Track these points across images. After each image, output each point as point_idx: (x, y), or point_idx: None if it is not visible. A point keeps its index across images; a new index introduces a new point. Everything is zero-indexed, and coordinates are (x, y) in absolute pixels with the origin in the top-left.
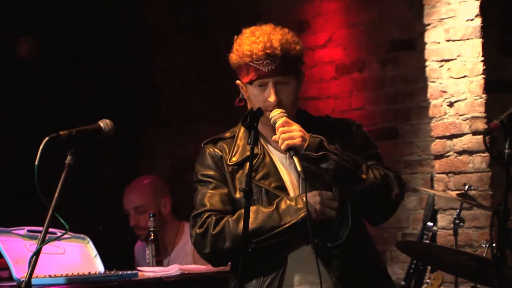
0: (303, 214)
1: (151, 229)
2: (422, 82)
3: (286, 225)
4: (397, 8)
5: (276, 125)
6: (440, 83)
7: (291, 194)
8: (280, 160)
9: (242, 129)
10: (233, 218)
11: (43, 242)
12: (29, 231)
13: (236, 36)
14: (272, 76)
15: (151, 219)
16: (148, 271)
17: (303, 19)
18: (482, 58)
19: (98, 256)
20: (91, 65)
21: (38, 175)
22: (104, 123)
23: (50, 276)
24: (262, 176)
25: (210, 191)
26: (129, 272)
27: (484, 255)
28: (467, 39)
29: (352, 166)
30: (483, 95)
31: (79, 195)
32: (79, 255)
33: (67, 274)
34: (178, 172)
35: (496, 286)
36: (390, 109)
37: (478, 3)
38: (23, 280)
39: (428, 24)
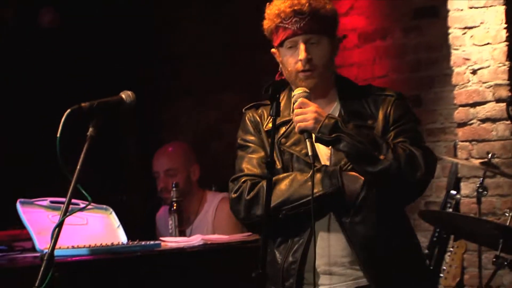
0: (335, 187)
1: (174, 199)
2: (445, 50)
3: (317, 194)
4: None
5: (294, 106)
6: (463, 51)
7: (322, 161)
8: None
9: (285, 95)
10: None
11: (66, 214)
12: (52, 202)
13: (268, 3)
14: (301, 34)
15: (174, 189)
16: (171, 242)
17: None
18: (505, 25)
19: (121, 226)
20: (113, 35)
21: (61, 147)
22: (125, 95)
23: (73, 247)
24: (293, 143)
25: (248, 155)
26: (152, 242)
27: (508, 223)
28: (490, 6)
29: (368, 147)
30: (506, 63)
31: (102, 165)
32: (102, 225)
33: (90, 245)
34: (200, 141)
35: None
36: (413, 77)
37: None
38: (46, 252)
39: None
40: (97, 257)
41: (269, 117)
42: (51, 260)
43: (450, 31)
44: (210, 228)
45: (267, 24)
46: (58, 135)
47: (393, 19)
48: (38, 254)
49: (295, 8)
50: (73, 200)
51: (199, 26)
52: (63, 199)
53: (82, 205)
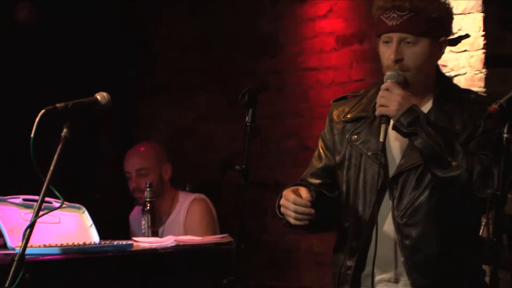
0: None
1: (147, 199)
2: None
3: None
4: None
5: (382, 86)
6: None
7: (393, 154)
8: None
9: (373, 90)
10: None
11: (38, 214)
12: (24, 199)
13: None
14: (396, 31)
15: (148, 189)
16: (144, 242)
17: None
18: (483, 33)
19: (93, 225)
20: (88, 34)
21: (34, 147)
22: (101, 96)
23: (45, 245)
24: (363, 141)
25: (313, 160)
26: (124, 242)
27: (480, 233)
28: (468, 13)
29: (443, 150)
30: (483, 70)
31: (76, 163)
32: (75, 224)
33: (62, 244)
34: (174, 140)
35: (492, 269)
36: None
37: None
38: (17, 251)
39: None
40: (69, 257)
41: (352, 108)
42: (22, 260)
43: None
44: (181, 228)
45: (373, 13)
46: (31, 135)
47: (371, 23)
48: (9, 252)
49: (395, 3)
50: (46, 199)
51: (176, 25)
52: (36, 197)
53: (55, 204)
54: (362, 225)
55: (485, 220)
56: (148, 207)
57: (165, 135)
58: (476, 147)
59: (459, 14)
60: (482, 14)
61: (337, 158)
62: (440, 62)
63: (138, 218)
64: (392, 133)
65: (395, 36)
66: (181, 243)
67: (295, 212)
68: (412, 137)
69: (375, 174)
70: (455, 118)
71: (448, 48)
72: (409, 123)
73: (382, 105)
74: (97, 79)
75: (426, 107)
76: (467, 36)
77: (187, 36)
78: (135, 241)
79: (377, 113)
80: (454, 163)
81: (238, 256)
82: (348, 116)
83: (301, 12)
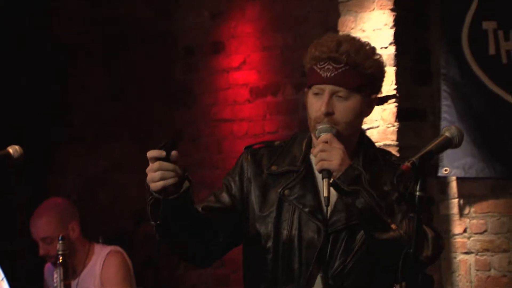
0: None
1: (60, 252)
2: None
3: None
4: (313, 32)
5: (319, 139)
6: None
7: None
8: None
9: (296, 142)
10: None
11: None
12: None
13: (315, 40)
14: (330, 83)
15: (60, 242)
16: None
17: (218, 40)
18: (395, 86)
19: (5, 279)
20: (3, 81)
21: None
22: (13, 149)
23: None
24: (297, 196)
25: (208, 199)
26: None
27: None
28: None
29: (383, 212)
30: (396, 123)
31: None
32: None
33: None
34: (89, 189)
35: None
36: None
37: (392, 31)
38: None
39: None
40: None
41: (275, 160)
42: None
43: None
44: (97, 280)
45: (305, 63)
46: None
47: (285, 75)
48: None
49: (332, 55)
50: None
51: (92, 75)
52: None
53: None
54: (299, 284)
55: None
56: (60, 260)
57: (78, 184)
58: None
59: None
60: (394, 68)
61: (256, 210)
62: None
63: (52, 271)
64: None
65: (328, 88)
66: None
67: (160, 168)
68: (352, 196)
69: (314, 232)
70: (383, 179)
71: None
72: (351, 182)
73: (323, 159)
74: (12, 127)
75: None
76: (394, 96)
77: (102, 85)
78: None
79: (317, 167)
80: (393, 226)
81: None
82: (273, 168)
83: (215, 63)
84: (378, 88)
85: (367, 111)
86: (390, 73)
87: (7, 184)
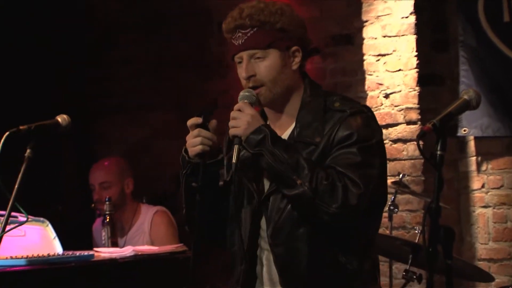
0: None
1: (107, 212)
2: (360, 75)
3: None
4: (337, 5)
5: (234, 107)
6: (377, 76)
7: (266, 186)
8: None
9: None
10: None
11: (4, 230)
12: None
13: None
14: (243, 49)
15: (107, 202)
16: (104, 252)
17: None
18: (416, 53)
19: (57, 238)
20: (47, 54)
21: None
22: (61, 118)
23: (11, 257)
24: (228, 150)
25: None
26: (85, 253)
27: (417, 239)
28: (402, 35)
29: (287, 168)
30: (417, 88)
31: (40, 179)
32: (39, 237)
33: (27, 256)
34: (131, 156)
35: (429, 275)
36: None
37: (412, 2)
38: None
39: (366, 21)
40: (34, 267)
41: None
42: None
43: (364, 57)
44: (147, 239)
45: (224, 37)
46: None
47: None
48: None
49: (237, 23)
50: (12, 214)
51: (133, 48)
52: (2, 212)
53: (20, 219)
54: (245, 249)
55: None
56: (107, 220)
57: (122, 151)
58: (329, 160)
59: (394, 36)
60: (415, 36)
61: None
62: (377, 80)
63: (100, 229)
64: None
65: (244, 54)
66: (139, 253)
67: (199, 134)
68: (257, 158)
69: (251, 199)
70: (317, 129)
71: (384, 67)
72: (256, 144)
73: (233, 126)
74: (60, 100)
75: (292, 123)
76: (317, 50)
77: (142, 58)
78: (96, 251)
79: (230, 134)
80: (299, 181)
81: (194, 264)
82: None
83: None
84: (298, 40)
85: (291, 63)
86: (410, 41)
87: (56, 151)
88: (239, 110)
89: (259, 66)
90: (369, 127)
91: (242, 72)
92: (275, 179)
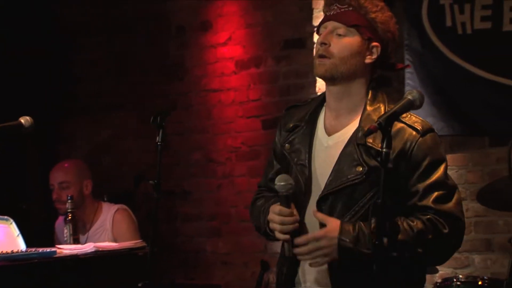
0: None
1: (69, 210)
2: (311, 77)
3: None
4: (289, 10)
5: (296, 241)
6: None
7: (313, 179)
8: (321, 139)
9: (318, 99)
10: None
11: None
12: None
13: None
14: (331, 19)
15: (69, 201)
16: (66, 249)
17: (206, 19)
18: None
19: (20, 235)
20: (15, 58)
21: None
22: (24, 120)
23: None
24: (293, 150)
25: (267, 167)
26: (48, 250)
27: None
28: None
29: (398, 252)
30: None
31: (4, 178)
32: (3, 235)
33: None
34: (94, 156)
35: (376, 270)
36: (283, 100)
37: None
38: None
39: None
40: None
41: (295, 117)
42: None
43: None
44: (109, 235)
45: (322, 12)
46: None
47: (266, 49)
48: None
49: None
50: None
51: (96, 52)
52: None
53: None
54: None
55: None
56: (69, 217)
57: (85, 151)
58: (419, 197)
59: None
60: None
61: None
62: None
63: (62, 227)
64: (318, 143)
65: (329, 25)
66: (100, 249)
67: (282, 223)
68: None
69: (301, 186)
70: (382, 140)
71: None
72: (352, 254)
73: (319, 262)
74: (23, 102)
75: (354, 124)
76: (407, 66)
77: (105, 61)
78: (59, 248)
79: (315, 265)
80: (419, 250)
81: (152, 259)
82: (290, 125)
83: (204, 40)
84: (382, 41)
85: (366, 55)
86: None
87: (21, 152)
88: (309, 246)
89: (337, 40)
90: (441, 145)
91: (319, 38)
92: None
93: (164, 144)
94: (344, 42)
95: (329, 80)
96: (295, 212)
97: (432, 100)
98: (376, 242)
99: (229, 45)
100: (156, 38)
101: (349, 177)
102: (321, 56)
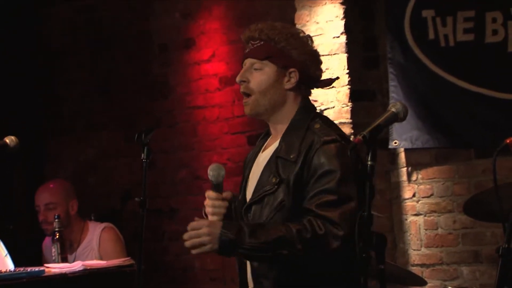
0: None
1: (56, 229)
2: None
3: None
4: None
5: (189, 226)
6: (312, 93)
7: (247, 192)
8: (258, 156)
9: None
10: None
11: None
12: None
13: None
14: (246, 57)
15: (56, 220)
16: (54, 268)
17: (190, 37)
18: (348, 71)
19: (8, 255)
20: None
21: None
22: (9, 140)
23: None
24: (245, 167)
25: None
26: (36, 269)
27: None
28: (334, 54)
29: (269, 251)
30: (349, 103)
31: None
32: None
33: None
34: (79, 175)
35: (363, 280)
36: None
37: (343, 22)
38: None
39: None
40: None
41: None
42: None
43: None
44: (96, 254)
45: None
46: None
47: None
48: None
49: (250, 34)
50: None
51: (79, 72)
52: None
53: None
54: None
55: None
56: (57, 236)
57: (71, 170)
58: (308, 201)
59: (326, 55)
60: (346, 54)
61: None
62: (311, 97)
63: (50, 246)
64: (257, 160)
65: (247, 62)
66: (88, 267)
67: (212, 206)
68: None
69: (243, 199)
70: (293, 146)
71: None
72: (231, 249)
73: (197, 248)
74: (8, 122)
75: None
76: (337, 78)
77: (89, 81)
78: (47, 267)
79: (195, 252)
80: (284, 252)
81: (140, 276)
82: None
83: (187, 57)
84: (299, 64)
85: (285, 82)
86: (342, 59)
87: (6, 171)
88: (193, 229)
89: (254, 75)
90: (341, 157)
91: (237, 77)
92: (263, 261)
93: (150, 161)
94: (261, 76)
95: (256, 117)
96: (225, 195)
97: (417, 112)
98: (363, 255)
99: (212, 62)
100: (139, 56)
101: (265, 188)
102: (244, 95)
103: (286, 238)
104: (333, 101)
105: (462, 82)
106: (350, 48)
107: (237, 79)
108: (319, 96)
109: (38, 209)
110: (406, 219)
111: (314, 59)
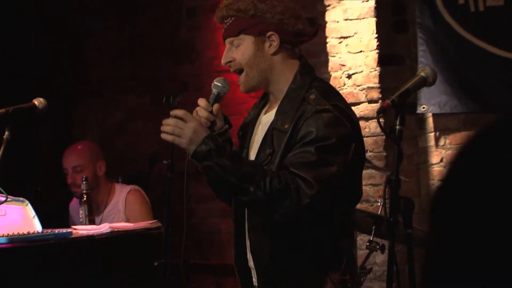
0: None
1: (84, 191)
2: (323, 57)
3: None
4: None
5: (172, 113)
6: (340, 57)
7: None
8: (260, 124)
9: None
10: None
11: None
12: None
13: None
14: (224, 37)
15: (84, 182)
16: (82, 229)
17: (217, 1)
18: (376, 35)
19: (36, 217)
20: (26, 39)
21: None
22: (38, 102)
23: None
24: (243, 136)
25: None
26: (64, 231)
27: (379, 212)
28: (363, 18)
29: (238, 179)
30: (377, 68)
31: (19, 160)
32: (19, 216)
33: (8, 234)
34: (107, 138)
35: (390, 244)
36: None
37: None
38: None
39: (328, 5)
40: (15, 245)
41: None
42: None
43: (327, 40)
44: (122, 216)
45: None
46: None
47: None
48: None
49: (220, 14)
50: None
51: (107, 36)
52: None
53: (0, 198)
54: (235, 232)
55: (381, 195)
56: (84, 199)
57: (98, 133)
58: (287, 160)
59: (355, 19)
60: (375, 19)
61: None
62: (339, 61)
63: (77, 208)
64: (262, 123)
65: (226, 43)
66: (116, 229)
67: (199, 110)
68: (205, 171)
69: None
70: (288, 116)
71: (346, 49)
72: (202, 158)
73: (176, 138)
74: (37, 85)
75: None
76: (319, 25)
77: (116, 45)
78: (74, 229)
79: (164, 137)
80: (251, 188)
81: (167, 239)
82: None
83: (214, 21)
84: (275, 25)
85: (267, 48)
86: (371, 23)
87: (35, 136)
88: (181, 119)
89: (235, 52)
90: (331, 127)
91: (222, 60)
92: (228, 189)
93: None
94: (241, 50)
95: (254, 91)
96: (214, 110)
97: (445, 77)
98: (391, 219)
99: None
100: (166, 21)
101: (261, 160)
102: (237, 73)
103: (257, 178)
104: (361, 66)
105: (491, 47)
106: (379, 12)
107: (222, 62)
108: (347, 61)
109: (66, 171)
110: (434, 185)
111: (291, 15)
